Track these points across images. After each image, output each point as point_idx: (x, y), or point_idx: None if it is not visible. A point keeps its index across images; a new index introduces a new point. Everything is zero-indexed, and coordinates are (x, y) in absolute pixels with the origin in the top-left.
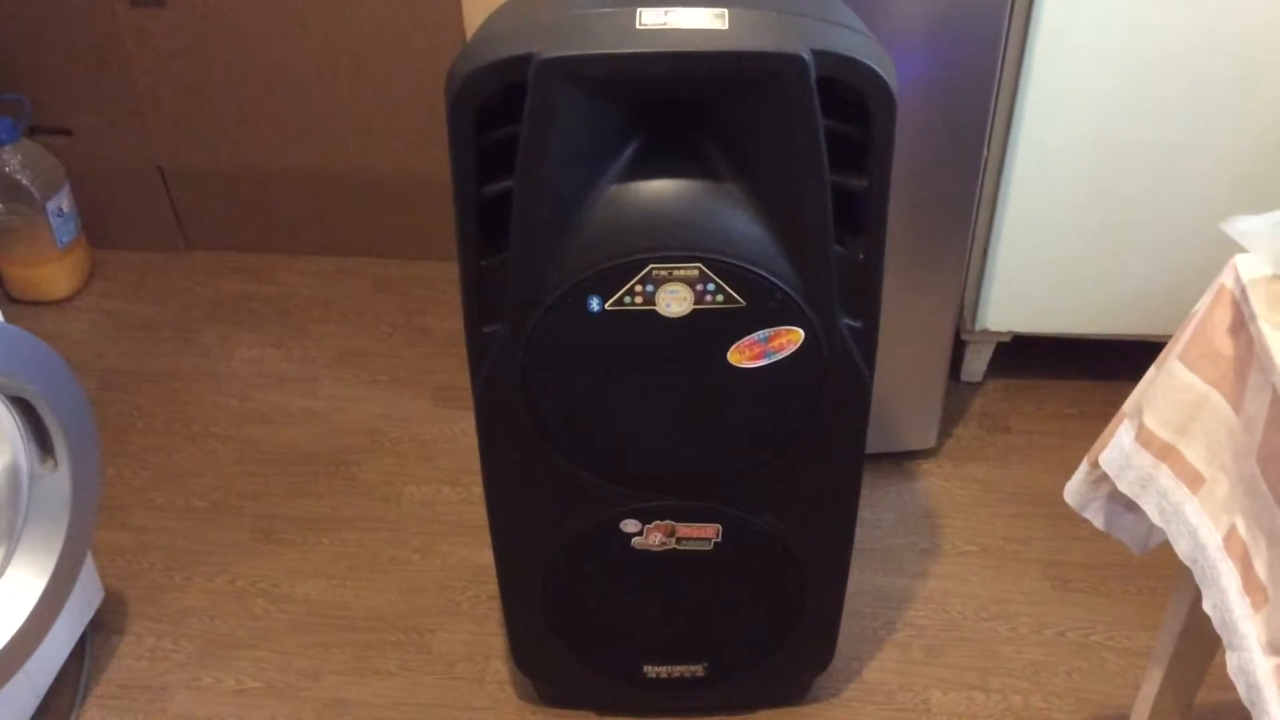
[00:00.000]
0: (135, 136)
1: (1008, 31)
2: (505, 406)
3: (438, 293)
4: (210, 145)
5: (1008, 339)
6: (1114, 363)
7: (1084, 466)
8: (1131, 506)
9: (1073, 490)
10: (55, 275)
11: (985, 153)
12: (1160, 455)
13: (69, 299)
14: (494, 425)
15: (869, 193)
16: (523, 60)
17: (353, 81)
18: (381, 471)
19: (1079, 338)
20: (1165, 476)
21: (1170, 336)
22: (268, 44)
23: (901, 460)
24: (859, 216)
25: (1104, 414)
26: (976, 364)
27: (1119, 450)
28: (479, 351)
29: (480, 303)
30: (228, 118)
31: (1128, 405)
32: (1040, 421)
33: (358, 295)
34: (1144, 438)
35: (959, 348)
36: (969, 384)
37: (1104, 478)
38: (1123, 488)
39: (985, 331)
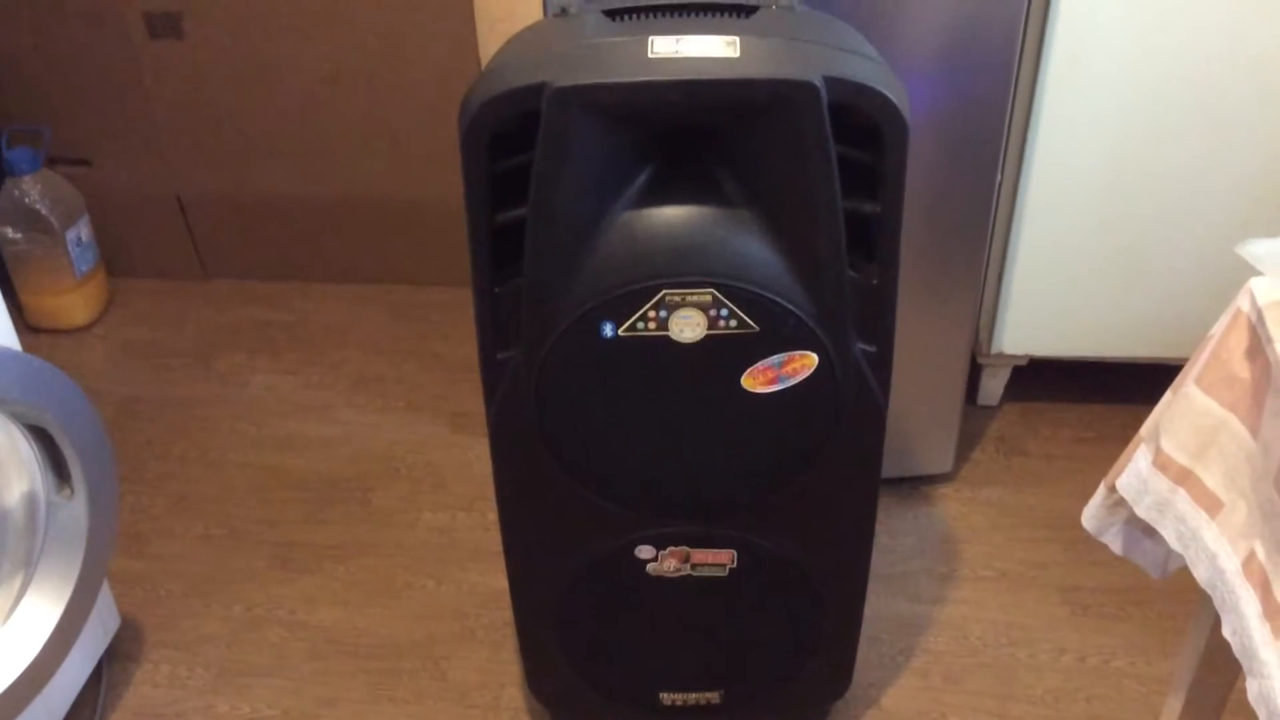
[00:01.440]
0: (154, 166)
1: (1020, 56)
2: (519, 432)
3: (453, 318)
4: (228, 174)
5: (1024, 362)
6: (1131, 386)
7: (1101, 491)
8: (1150, 531)
9: (1090, 515)
10: (74, 304)
11: (999, 177)
12: (1178, 480)
13: (87, 327)
14: (508, 451)
15: (882, 218)
16: (536, 89)
17: (368, 110)
18: (397, 498)
19: (1095, 361)
20: (1183, 501)
21: (1187, 360)
22: (284, 74)
23: (918, 484)
24: (872, 241)
25: (1121, 437)
26: (992, 387)
27: (1136, 475)
28: (493, 377)
29: (494, 329)
30: (245, 147)
31: (1145, 429)
32: (1057, 445)
33: (374, 322)
34: (1161, 462)
35: (975, 371)
36: (985, 407)
37: (1121, 502)
38: (1140, 513)
39: (1001, 355)
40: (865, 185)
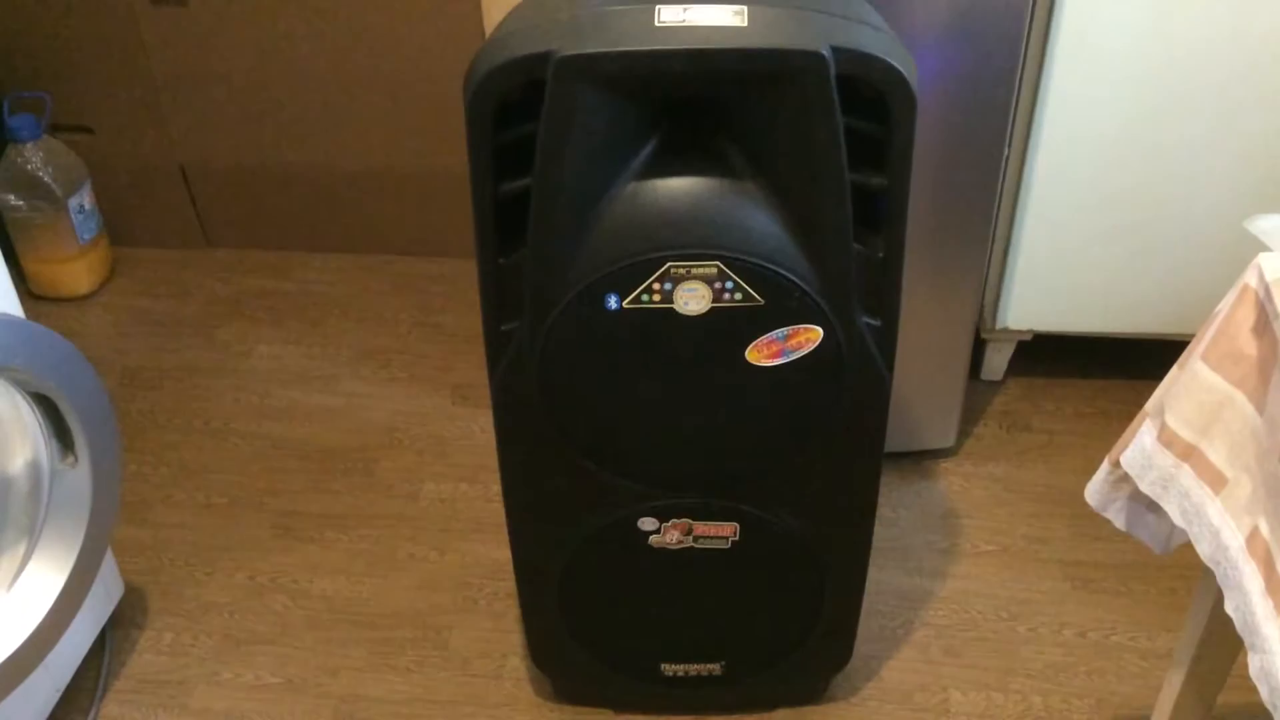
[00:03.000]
0: (156, 134)
1: (1029, 29)
2: (523, 404)
3: (456, 290)
4: (231, 143)
5: (1028, 337)
6: (1135, 361)
7: (1105, 466)
8: (1153, 507)
9: (1094, 490)
10: (76, 272)
11: (1006, 151)
12: (1182, 455)
13: (90, 295)
14: (511, 422)
15: (889, 191)
16: (541, 58)
17: (371, 79)
18: (400, 469)
19: (1100, 336)
20: (1187, 477)
21: (1193, 336)
22: (288, 42)
23: (921, 459)
24: (878, 214)
25: (1125, 413)
26: (997, 362)
27: (1141, 450)
28: (497, 349)
29: (498, 300)
30: (248, 116)
31: (1150, 405)
32: (1061, 420)
33: (376, 293)
34: (1166, 438)
35: (979, 346)
36: (989, 382)
37: (1125, 478)
38: (1144, 488)
39: (1006, 330)
40: (872, 158)
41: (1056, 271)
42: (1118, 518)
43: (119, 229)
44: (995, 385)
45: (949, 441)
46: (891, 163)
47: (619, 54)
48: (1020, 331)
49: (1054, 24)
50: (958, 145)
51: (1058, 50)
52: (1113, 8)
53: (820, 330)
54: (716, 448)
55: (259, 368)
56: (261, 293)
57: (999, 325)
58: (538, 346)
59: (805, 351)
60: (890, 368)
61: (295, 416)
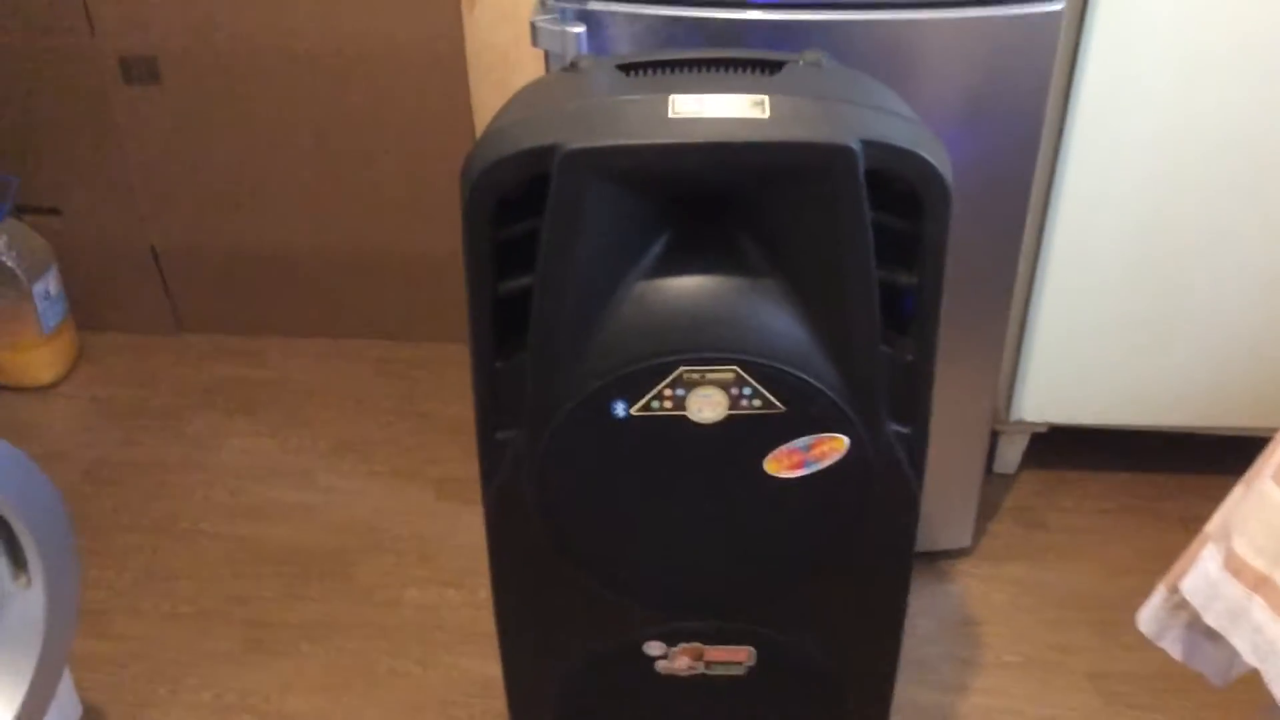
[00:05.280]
0: (127, 216)
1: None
2: (519, 518)
3: (440, 376)
4: (205, 225)
5: (1044, 429)
6: (1157, 454)
7: (1161, 592)
8: (1212, 634)
9: (1148, 618)
10: (40, 360)
11: (1023, 239)
12: (1253, 586)
13: (54, 385)
14: (507, 538)
15: (920, 289)
16: (546, 151)
17: (351, 159)
18: (380, 572)
19: (1120, 429)
20: (1260, 610)
21: (1220, 429)
22: (265, 121)
23: (935, 560)
24: (907, 314)
25: (1146, 509)
26: (1010, 455)
27: (1204, 578)
28: (492, 459)
29: (494, 406)
30: (223, 197)
31: (1212, 527)
32: (1079, 517)
33: (357, 379)
34: (1234, 565)
35: (991, 439)
36: (1001, 475)
37: (1184, 604)
38: (1210, 620)
39: (1021, 422)
40: (901, 253)
41: (1074, 360)
42: (1174, 648)
43: (86, 313)
44: (1008, 479)
45: (965, 541)
46: (924, 260)
47: (630, 147)
48: (1036, 424)
49: (1070, 109)
50: (973, 232)
51: (1074, 135)
52: (1130, 92)
53: (845, 439)
54: (731, 566)
55: (231, 462)
56: (235, 381)
57: (1013, 417)
58: (537, 457)
59: (829, 462)
60: (920, 478)
61: (269, 515)
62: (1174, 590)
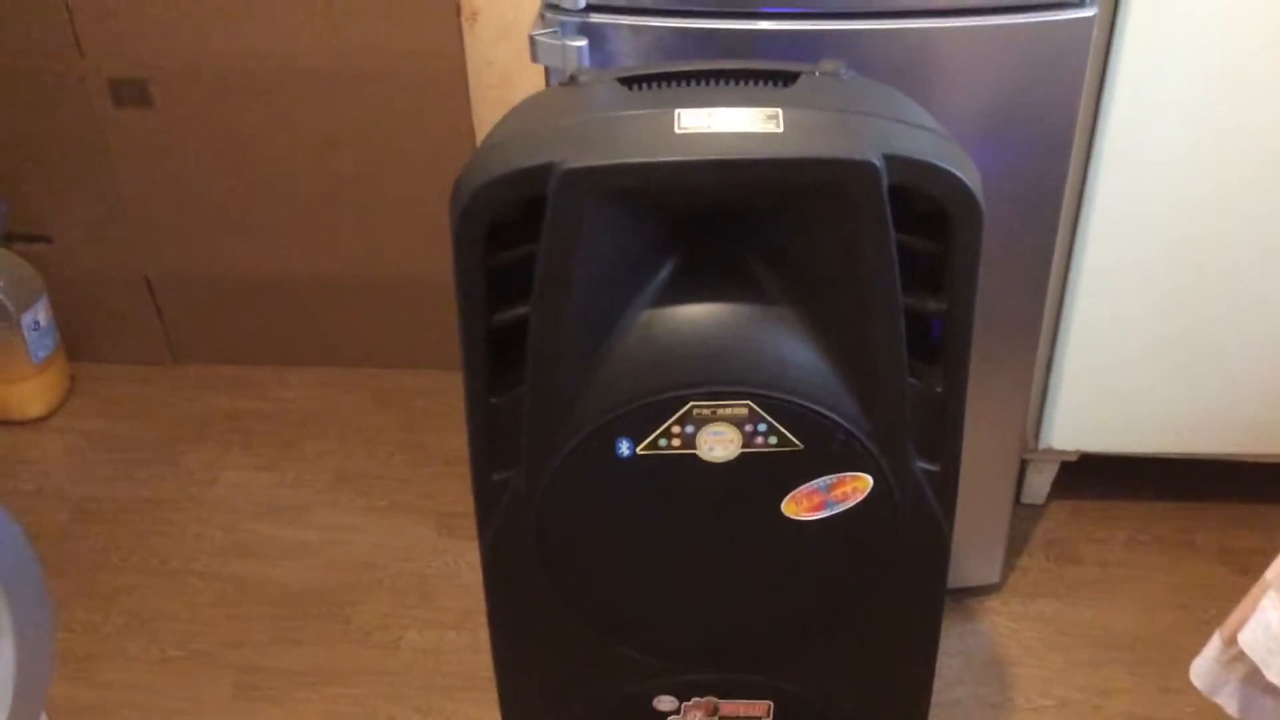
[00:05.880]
0: (119, 243)
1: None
2: (519, 564)
3: (441, 406)
4: (200, 251)
5: (1074, 458)
6: (1191, 481)
7: (1216, 644)
8: (1272, 689)
9: (1202, 671)
10: (29, 393)
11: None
12: None
13: (44, 419)
14: (505, 585)
15: (949, 316)
16: (542, 171)
17: (350, 181)
18: (379, 614)
19: (1154, 456)
20: None
21: (1257, 456)
22: (260, 145)
23: (963, 597)
24: (934, 343)
25: (1182, 540)
26: (1038, 485)
27: (1265, 630)
28: (488, 502)
29: (490, 445)
30: (218, 222)
31: (1271, 574)
32: (1112, 550)
33: (355, 410)
34: None
35: (1020, 467)
36: (1030, 506)
37: (1240, 657)
38: (1272, 676)
39: (1050, 450)
40: (927, 277)
41: (1105, 385)
42: (1230, 703)
43: (78, 344)
44: (1037, 510)
45: (994, 578)
46: (954, 284)
47: (633, 166)
48: (1065, 452)
49: (1100, 127)
50: (1001, 251)
51: (1104, 153)
52: (1161, 109)
53: (869, 478)
54: (746, 615)
55: (225, 497)
56: (231, 413)
57: (1042, 445)
58: (536, 499)
59: (852, 503)
60: (951, 519)
61: (263, 553)
62: (1231, 643)
